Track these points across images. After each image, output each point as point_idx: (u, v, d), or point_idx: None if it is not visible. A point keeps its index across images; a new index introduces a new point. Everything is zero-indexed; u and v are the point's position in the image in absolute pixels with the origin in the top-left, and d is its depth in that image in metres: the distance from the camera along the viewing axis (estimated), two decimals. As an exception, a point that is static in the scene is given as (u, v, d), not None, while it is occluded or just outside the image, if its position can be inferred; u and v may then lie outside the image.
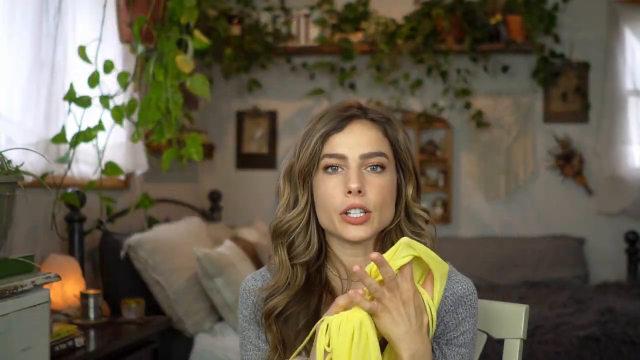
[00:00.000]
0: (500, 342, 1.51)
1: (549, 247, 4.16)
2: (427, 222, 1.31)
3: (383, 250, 1.28)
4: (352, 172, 1.24)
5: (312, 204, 1.29)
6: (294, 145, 1.32)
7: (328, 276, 1.32)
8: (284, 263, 1.28)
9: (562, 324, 3.06)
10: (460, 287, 1.26)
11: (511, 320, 1.48)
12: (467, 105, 4.29)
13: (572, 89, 4.28)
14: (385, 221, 1.27)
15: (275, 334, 1.26)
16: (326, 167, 1.27)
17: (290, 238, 1.29)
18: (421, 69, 4.33)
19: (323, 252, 1.31)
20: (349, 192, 1.23)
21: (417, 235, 1.29)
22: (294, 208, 1.30)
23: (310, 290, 1.28)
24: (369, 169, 1.26)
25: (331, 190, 1.25)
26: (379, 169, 1.26)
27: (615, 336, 2.95)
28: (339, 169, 1.26)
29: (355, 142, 1.26)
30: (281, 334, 1.26)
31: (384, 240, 1.31)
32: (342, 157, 1.26)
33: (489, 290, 3.71)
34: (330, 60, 4.37)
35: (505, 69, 4.26)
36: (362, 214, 1.24)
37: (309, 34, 4.33)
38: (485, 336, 1.52)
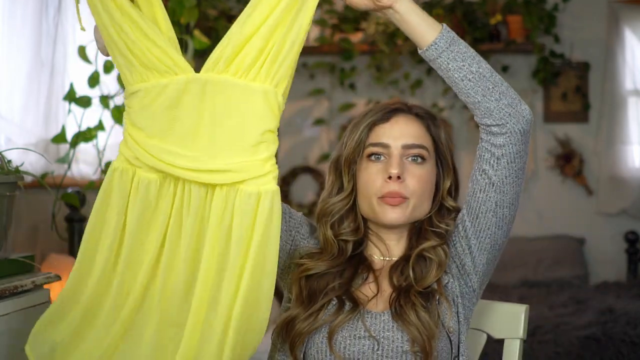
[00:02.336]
0: (500, 342, 1.51)
1: (549, 247, 4.15)
2: (454, 219, 1.38)
3: (417, 241, 1.34)
4: (394, 159, 1.31)
5: (356, 192, 1.36)
6: (341, 137, 1.40)
7: (366, 253, 1.39)
8: (328, 238, 1.35)
9: (562, 324, 3.06)
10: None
11: (511, 320, 1.49)
12: (467, 105, 4.29)
13: (572, 89, 4.28)
14: (421, 212, 1.34)
15: (303, 288, 1.32)
16: (370, 155, 1.34)
17: (333, 219, 1.35)
18: (421, 69, 4.32)
19: (366, 235, 1.39)
20: (389, 177, 1.30)
21: (441, 228, 1.35)
22: (337, 194, 1.37)
23: (350, 263, 1.35)
24: (410, 159, 1.33)
25: (373, 176, 1.32)
26: (419, 159, 1.33)
27: (615, 336, 2.94)
28: (382, 157, 1.33)
29: (399, 132, 1.33)
30: (308, 290, 1.32)
31: (419, 232, 1.36)
32: (386, 146, 1.33)
33: (488, 290, 3.70)
34: (330, 60, 4.37)
35: (505, 69, 4.26)
36: (399, 198, 1.30)
37: (309, 34, 4.32)
38: (485, 336, 1.52)
